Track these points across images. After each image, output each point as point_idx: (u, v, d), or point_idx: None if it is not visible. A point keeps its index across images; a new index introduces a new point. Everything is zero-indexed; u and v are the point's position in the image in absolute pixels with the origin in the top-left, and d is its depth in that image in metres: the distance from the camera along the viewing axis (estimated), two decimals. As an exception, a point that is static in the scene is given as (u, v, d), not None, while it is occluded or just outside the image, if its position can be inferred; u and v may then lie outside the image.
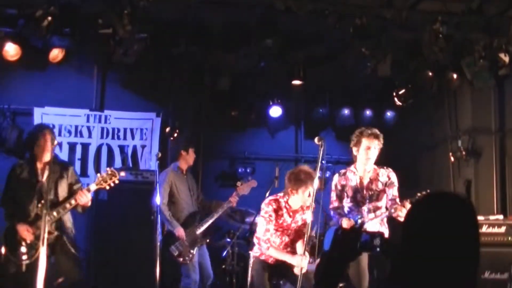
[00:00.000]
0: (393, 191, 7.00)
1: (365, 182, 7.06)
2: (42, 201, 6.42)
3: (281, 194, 7.02)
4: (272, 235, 6.91)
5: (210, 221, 8.61)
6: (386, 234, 6.96)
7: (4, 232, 6.76)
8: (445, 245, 2.25)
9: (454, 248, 2.26)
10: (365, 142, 6.97)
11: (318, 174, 6.44)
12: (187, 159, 8.84)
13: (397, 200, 6.91)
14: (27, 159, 7.00)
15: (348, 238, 2.62)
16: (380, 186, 6.99)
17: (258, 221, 7.08)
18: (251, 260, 7.21)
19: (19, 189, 6.75)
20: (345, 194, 7.14)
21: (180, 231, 8.26)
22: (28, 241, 6.53)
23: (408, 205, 6.52)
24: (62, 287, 7.22)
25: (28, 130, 7.07)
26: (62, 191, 6.82)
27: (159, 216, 7.32)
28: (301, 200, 6.82)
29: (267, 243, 6.86)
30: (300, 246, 7.01)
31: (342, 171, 7.29)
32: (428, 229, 2.30)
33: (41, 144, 6.73)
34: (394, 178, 7.09)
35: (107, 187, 6.78)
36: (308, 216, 6.52)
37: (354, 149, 7.10)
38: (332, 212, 7.21)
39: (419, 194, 6.21)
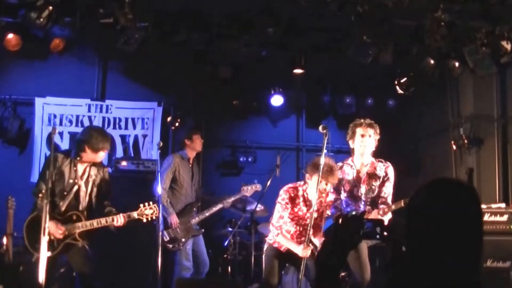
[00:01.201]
0: (387, 189, 6.89)
1: (362, 176, 6.95)
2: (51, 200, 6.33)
3: (301, 183, 7.02)
4: (286, 223, 6.91)
5: (207, 214, 8.60)
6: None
7: (29, 220, 6.58)
8: (448, 231, 2.25)
9: (458, 234, 2.25)
10: (359, 130, 6.91)
11: (322, 162, 6.43)
12: (193, 146, 8.80)
13: (389, 198, 6.88)
14: (70, 154, 6.73)
15: (350, 226, 2.61)
16: (377, 181, 6.93)
17: (276, 207, 7.06)
18: (265, 247, 7.24)
19: (55, 185, 6.57)
20: (342, 187, 7.06)
21: (173, 219, 8.24)
22: (52, 238, 6.36)
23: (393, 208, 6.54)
24: (63, 278, 7.24)
25: (94, 132, 6.72)
26: (95, 195, 6.76)
27: (161, 205, 7.31)
28: (314, 190, 6.79)
29: (278, 229, 6.88)
30: (317, 239, 7.00)
31: (339, 164, 7.14)
32: (431, 215, 2.29)
33: (100, 155, 6.68)
34: (391, 173, 6.99)
35: (145, 220, 6.74)
36: (313, 205, 6.51)
37: (350, 142, 7.02)
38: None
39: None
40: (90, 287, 6.60)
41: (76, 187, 6.64)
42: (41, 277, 5.79)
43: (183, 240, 8.31)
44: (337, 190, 7.09)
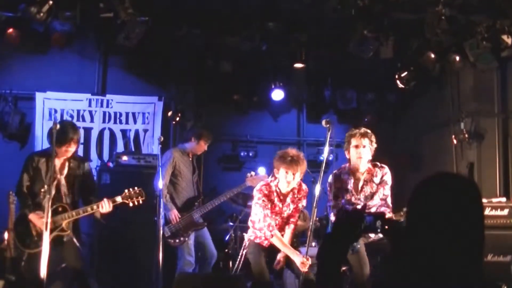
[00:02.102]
0: (385, 191, 6.88)
1: (360, 184, 6.96)
2: (45, 193, 6.34)
3: (272, 179, 7.02)
4: (272, 219, 6.89)
5: (210, 207, 8.57)
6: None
7: (15, 220, 6.76)
8: (449, 226, 2.25)
9: (459, 228, 2.25)
10: (353, 141, 6.89)
11: (326, 156, 6.47)
12: (195, 148, 8.68)
13: (388, 200, 6.89)
14: (47, 152, 6.72)
15: (351, 220, 2.61)
16: (374, 187, 6.91)
17: (254, 207, 7.04)
18: (246, 243, 7.21)
19: (35, 183, 6.63)
20: (340, 195, 7.06)
21: (172, 215, 8.18)
22: (40, 231, 6.39)
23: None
24: (65, 273, 7.26)
25: (62, 125, 6.57)
26: (78, 188, 6.78)
27: (161, 200, 7.31)
28: (284, 183, 6.81)
29: (270, 229, 6.83)
30: (287, 235, 7.00)
31: (336, 172, 7.16)
32: (432, 209, 2.29)
33: (66, 149, 6.60)
34: (387, 177, 6.98)
35: (131, 204, 6.75)
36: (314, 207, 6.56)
37: (346, 152, 7.03)
38: (329, 210, 7.24)
39: (404, 209, 6.23)
40: (85, 283, 6.62)
41: (55, 182, 6.63)
42: (43, 272, 5.80)
43: (185, 234, 8.29)
44: (335, 196, 7.08)
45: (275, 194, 6.88)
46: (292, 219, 7.05)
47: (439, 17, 8.34)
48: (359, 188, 6.94)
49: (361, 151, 6.84)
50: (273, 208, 6.88)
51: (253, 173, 8.75)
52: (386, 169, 7.02)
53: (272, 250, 6.93)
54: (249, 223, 7.17)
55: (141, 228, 8.45)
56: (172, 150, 8.72)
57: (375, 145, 6.93)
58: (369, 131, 6.96)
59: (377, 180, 6.95)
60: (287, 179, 6.71)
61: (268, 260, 6.99)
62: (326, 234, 2.66)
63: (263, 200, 6.82)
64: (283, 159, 6.69)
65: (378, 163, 7.06)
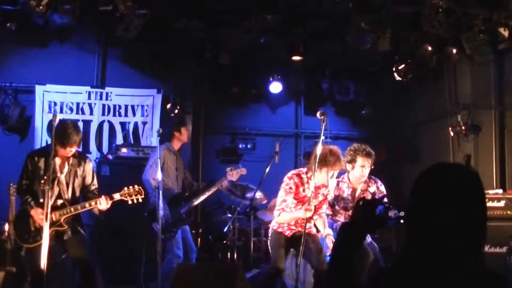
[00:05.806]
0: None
1: (357, 193, 7.42)
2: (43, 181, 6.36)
3: (304, 170, 7.01)
4: (289, 206, 6.86)
5: (196, 202, 8.58)
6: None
7: (16, 215, 6.78)
8: (452, 216, 2.26)
9: (461, 218, 2.27)
10: (360, 160, 7.24)
11: (319, 149, 6.48)
12: (181, 138, 8.70)
13: None
14: (47, 150, 6.66)
15: (369, 208, 2.62)
16: (369, 196, 7.13)
17: (279, 192, 7.06)
18: (270, 232, 7.26)
19: (36, 181, 6.63)
20: (337, 204, 7.49)
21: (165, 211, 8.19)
22: (38, 227, 6.44)
23: None
24: (65, 264, 7.29)
25: (60, 123, 6.44)
26: (78, 185, 6.78)
27: (160, 192, 7.32)
28: (323, 179, 6.84)
29: (279, 211, 6.88)
30: (320, 224, 7.06)
31: (336, 180, 7.46)
32: (435, 200, 2.31)
33: (68, 151, 6.57)
34: (382, 188, 7.47)
35: (130, 202, 6.78)
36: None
37: (349, 166, 7.33)
38: (327, 218, 7.42)
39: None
40: (89, 274, 6.64)
41: (56, 182, 6.61)
42: (43, 263, 5.84)
43: (175, 230, 8.29)
44: (331, 205, 7.50)
45: (306, 185, 6.92)
46: (320, 211, 7.11)
47: (436, 10, 8.34)
48: (356, 197, 7.35)
49: (366, 171, 7.26)
50: (302, 198, 6.91)
51: (231, 167, 8.73)
52: (379, 181, 7.55)
53: (293, 240, 6.99)
54: (275, 212, 7.15)
55: (141, 220, 8.48)
56: (161, 147, 8.71)
57: (373, 162, 7.33)
58: (371, 150, 7.32)
59: (371, 189, 7.43)
60: (329, 177, 6.83)
61: (289, 249, 7.13)
62: (343, 223, 2.68)
63: (290, 187, 6.85)
64: (327, 162, 6.67)
65: (372, 176, 7.50)
